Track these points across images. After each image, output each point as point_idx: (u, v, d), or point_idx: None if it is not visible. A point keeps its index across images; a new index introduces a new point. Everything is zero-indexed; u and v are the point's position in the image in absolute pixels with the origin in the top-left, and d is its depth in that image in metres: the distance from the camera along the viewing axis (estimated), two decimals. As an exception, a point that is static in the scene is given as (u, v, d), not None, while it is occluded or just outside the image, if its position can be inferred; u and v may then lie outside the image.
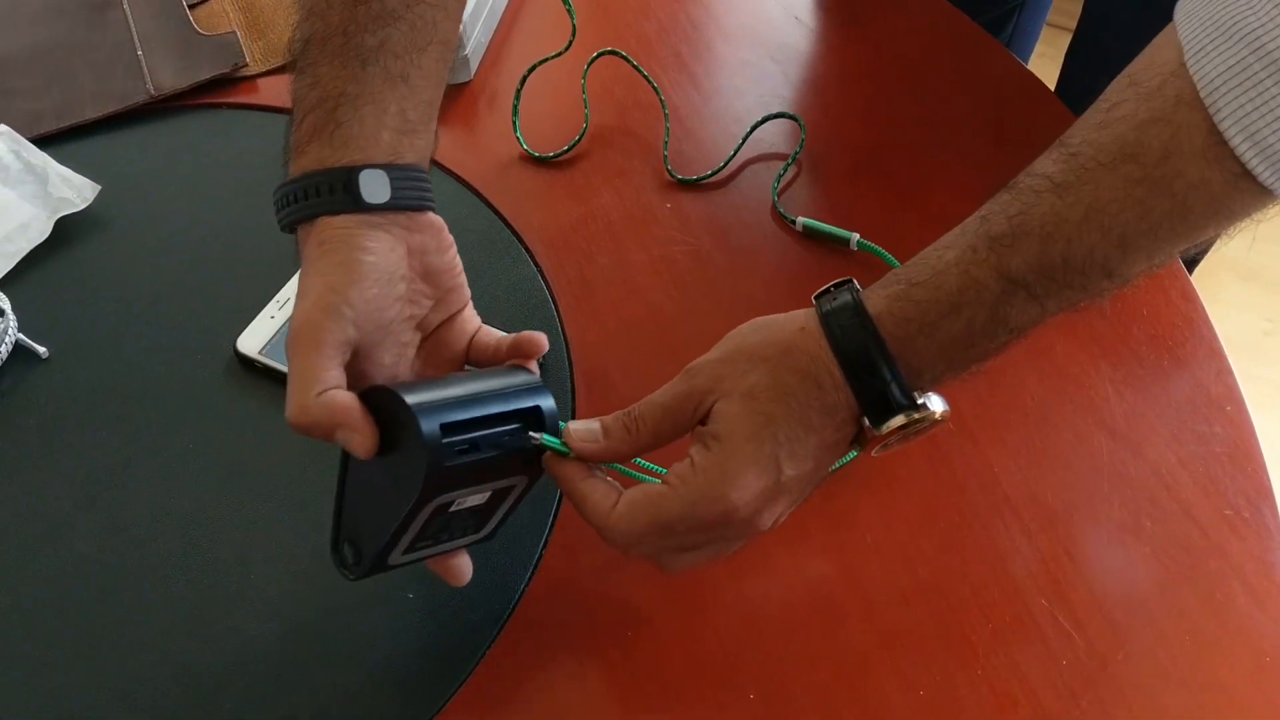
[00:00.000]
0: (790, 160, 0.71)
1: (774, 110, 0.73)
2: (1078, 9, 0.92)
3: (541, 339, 0.47)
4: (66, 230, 0.68)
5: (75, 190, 0.69)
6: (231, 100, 0.77)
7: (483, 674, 0.50)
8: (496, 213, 0.70)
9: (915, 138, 0.73)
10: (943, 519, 0.54)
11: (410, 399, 0.40)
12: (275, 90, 0.78)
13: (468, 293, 0.50)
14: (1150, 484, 0.55)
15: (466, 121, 0.76)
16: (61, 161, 0.70)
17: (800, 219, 0.67)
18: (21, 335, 0.62)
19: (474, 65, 0.79)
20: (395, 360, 0.47)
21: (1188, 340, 0.61)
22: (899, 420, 0.42)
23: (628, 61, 0.76)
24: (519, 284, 0.65)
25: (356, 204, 0.44)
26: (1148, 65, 0.39)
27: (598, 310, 0.64)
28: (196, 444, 0.58)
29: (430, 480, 0.40)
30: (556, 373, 0.61)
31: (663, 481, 0.43)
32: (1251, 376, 0.59)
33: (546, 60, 0.76)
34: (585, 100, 0.75)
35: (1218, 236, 0.41)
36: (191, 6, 0.83)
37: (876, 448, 0.44)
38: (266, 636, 0.51)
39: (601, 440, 0.44)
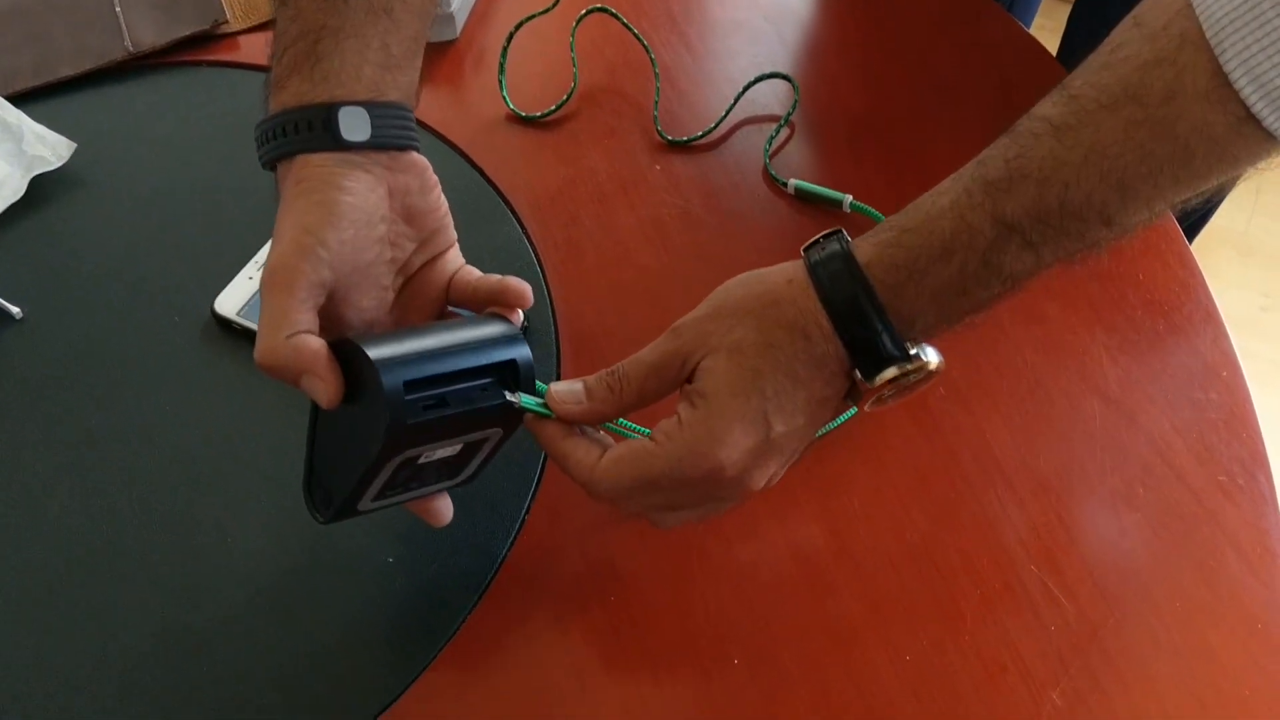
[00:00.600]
0: (783, 121, 0.70)
1: (767, 71, 0.72)
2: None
3: (525, 290, 0.46)
4: (42, 189, 0.67)
5: (50, 148, 0.68)
6: (211, 58, 0.76)
7: (465, 636, 0.49)
8: (482, 173, 0.68)
9: (912, 101, 0.71)
10: (934, 486, 0.53)
11: (374, 353, 0.39)
12: (256, 48, 0.76)
13: (453, 235, 0.48)
14: (1144, 451, 0.54)
15: (452, 80, 0.74)
16: (37, 119, 0.69)
17: (792, 181, 0.66)
18: (-5, 295, 0.61)
19: (460, 22, 0.77)
20: (375, 304, 0.45)
21: (1184, 306, 0.60)
22: (891, 372, 0.41)
23: (618, 19, 0.74)
24: (504, 246, 0.64)
25: (336, 142, 0.43)
26: (1154, 5, 0.38)
27: (585, 273, 0.63)
28: (174, 405, 0.57)
29: (391, 436, 0.39)
30: (542, 336, 0.60)
31: (650, 438, 0.42)
32: (1249, 353, 0.58)
33: (534, 17, 0.74)
34: (574, 59, 0.74)
35: (1219, 191, 0.40)
36: (171, -38, 0.81)
37: (870, 401, 0.43)
38: (246, 598, 0.50)
39: (585, 402, 0.43)
